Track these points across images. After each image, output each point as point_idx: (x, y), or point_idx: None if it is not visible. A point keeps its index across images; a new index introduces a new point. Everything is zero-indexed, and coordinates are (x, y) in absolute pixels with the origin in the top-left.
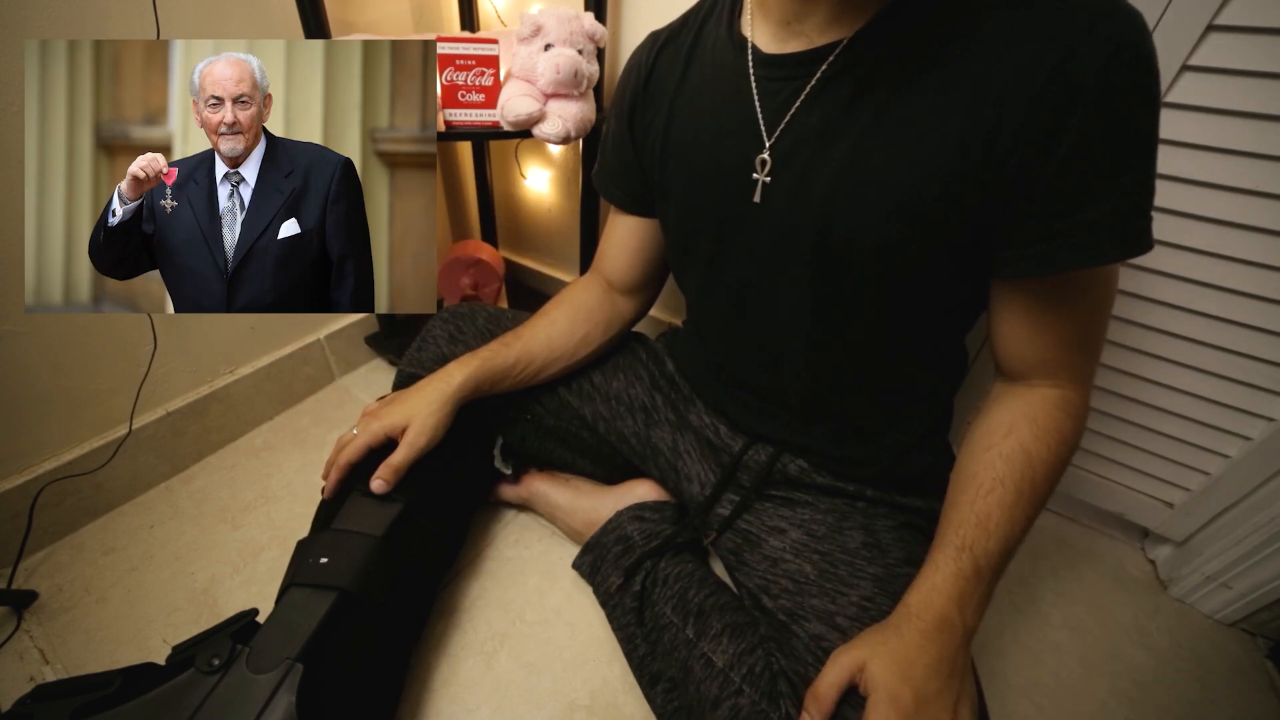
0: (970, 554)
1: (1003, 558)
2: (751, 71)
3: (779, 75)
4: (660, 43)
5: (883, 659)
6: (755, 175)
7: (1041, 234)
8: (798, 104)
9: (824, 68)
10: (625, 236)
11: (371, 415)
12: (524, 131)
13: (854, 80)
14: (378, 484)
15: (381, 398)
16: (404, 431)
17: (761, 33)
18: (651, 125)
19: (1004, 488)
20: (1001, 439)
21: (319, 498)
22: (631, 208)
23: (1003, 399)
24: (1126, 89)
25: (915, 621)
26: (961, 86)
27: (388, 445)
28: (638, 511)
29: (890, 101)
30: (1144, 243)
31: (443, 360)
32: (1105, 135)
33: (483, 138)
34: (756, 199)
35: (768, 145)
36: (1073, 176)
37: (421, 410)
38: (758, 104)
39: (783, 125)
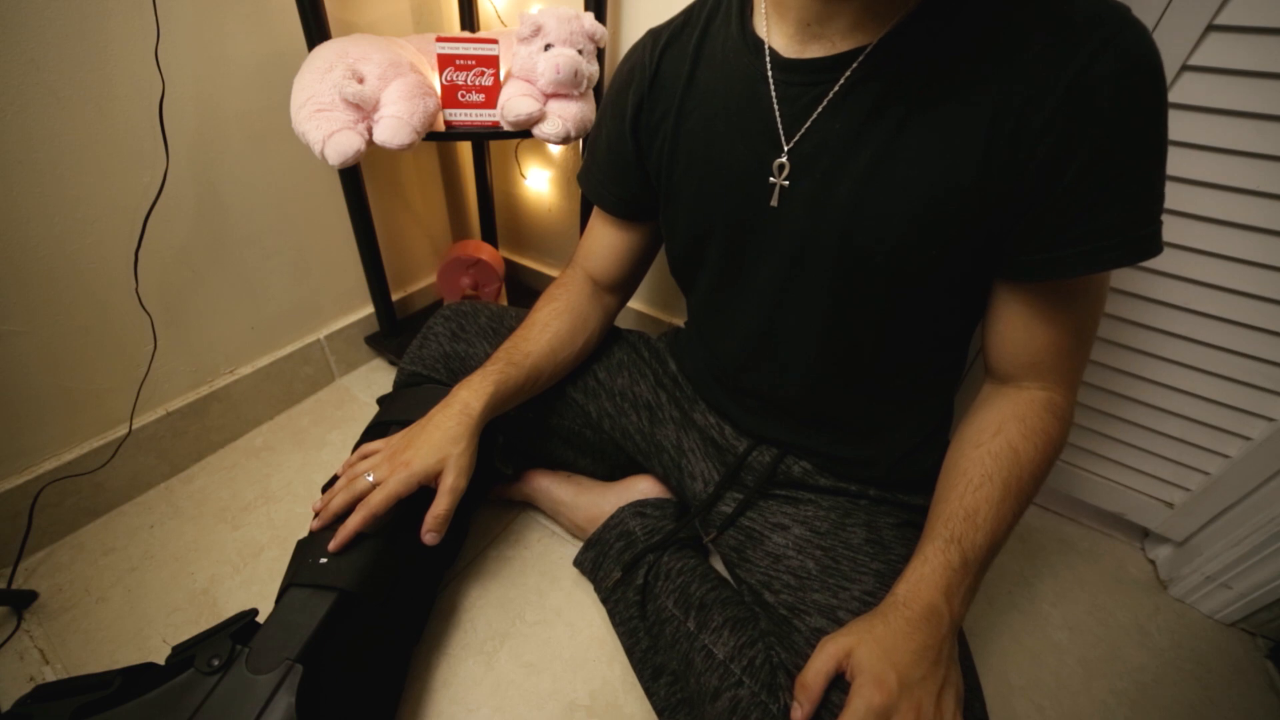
0: (959, 546)
1: (989, 551)
2: (770, 75)
3: (800, 80)
4: (663, 41)
5: (869, 644)
6: (772, 180)
7: (1055, 240)
8: (819, 109)
9: (848, 74)
10: (611, 240)
11: (389, 457)
12: (524, 131)
13: (878, 88)
14: (431, 537)
15: (379, 403)
16: (438, 476)
17: (778, 34)
18: (659, 127)
19: (992, 484)
20: (990, 437)
21: (319, 497)
22: (620, 211)
23: (992, 399)
24: (1140, 99)
25: (902, 610)
26: (983, 96)
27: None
28: (639, 508)
29: (914, 109)
30: (1154, 248)
31: (444, 358)
32: (1120, 144)
33: (483, 138)
34: (774, 203)
35: (786, 149)
36: (1088, 184)
37: (452, 450)
38: (776, 108)
39: (803, 130)
